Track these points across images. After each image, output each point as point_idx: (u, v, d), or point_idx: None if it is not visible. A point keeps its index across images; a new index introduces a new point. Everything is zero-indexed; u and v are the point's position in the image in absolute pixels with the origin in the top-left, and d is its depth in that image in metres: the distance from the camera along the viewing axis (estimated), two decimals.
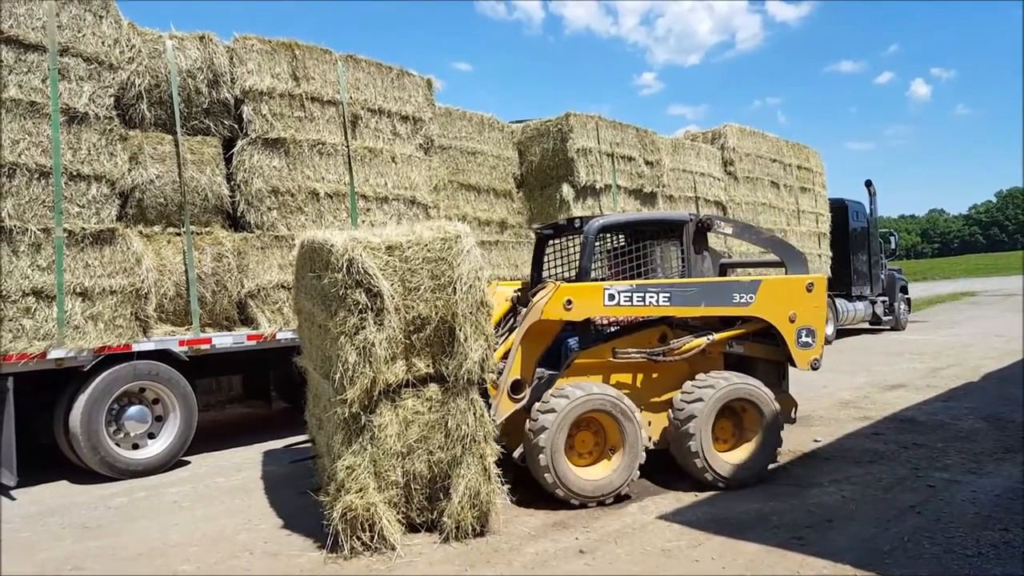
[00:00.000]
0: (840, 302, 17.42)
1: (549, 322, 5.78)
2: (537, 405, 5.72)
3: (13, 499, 6.57)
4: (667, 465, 6.23)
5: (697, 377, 6.17)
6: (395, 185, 9.43)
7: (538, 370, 6.00)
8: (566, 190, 12.34)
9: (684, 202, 14.59)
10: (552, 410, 5.57)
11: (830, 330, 16.77)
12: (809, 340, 6.35)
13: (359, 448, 4.79)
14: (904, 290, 20.16)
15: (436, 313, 4.95)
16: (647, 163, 13.80)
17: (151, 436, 7.40)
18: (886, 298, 19.07)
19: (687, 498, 5.81)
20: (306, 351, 6.34)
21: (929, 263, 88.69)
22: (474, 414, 4.98)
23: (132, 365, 7.15)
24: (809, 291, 6.36)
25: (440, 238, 5.00)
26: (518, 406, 5.72)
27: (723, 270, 7.18)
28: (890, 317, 19.12)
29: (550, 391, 5.79)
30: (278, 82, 8.49)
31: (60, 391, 7.04)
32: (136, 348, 7.16)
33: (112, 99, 7.28)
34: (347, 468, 4.75)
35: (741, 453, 6.17)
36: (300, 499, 6.19)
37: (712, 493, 5.91)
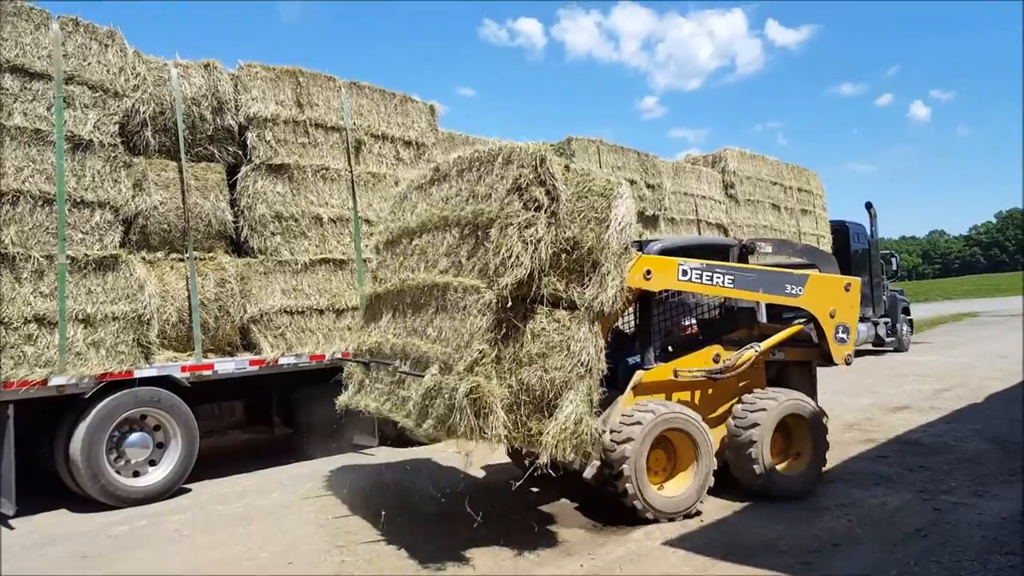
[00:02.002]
0: None
1: (628, 290, 5.86)
2: (611, 435, 5.70)
3: (12, 528, 6.52)
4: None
5: (750, 395, 6.48)
6: None
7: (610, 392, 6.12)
8: None
9: (686, 225, 14.64)
10: (629, 438, 5.65)
11: None
12: (844, 336, 6.73)
13: (492, 339, 4.90)
14: (906, 311, 20.11)
15: (587, 242, 5.21)
16: (648, 186, 13.86)
17: (152, 463, 7.36)
18: (888, 319, 19.02)
19: (692, 523, 5.77)
20: (410, 267, 6.21)
21: (931, 284, 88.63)
22: (595, 345, 5.07)
23: (134, 392, 7.13)
24: (847, 291, 6.78)
25: (606, 179, 5.43)
26: None
27: None
28: (893, 339, 19.07)
29: (620, 418, 5.83)
30: (282, 109, 8.56)
31: (61, 418, 7.01)
32: (138, 374, 7.15)
33: (117, 126, 7.34)
34: (480, 351, 4.82)
35: (795, 465, 6.54)
36: (302, 527, 6.17)
37: (718, 518, 5.88)
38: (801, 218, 18.15)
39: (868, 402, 11.24)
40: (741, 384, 6.56)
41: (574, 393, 4.93)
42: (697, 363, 6.40)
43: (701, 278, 6.13)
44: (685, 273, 6.07)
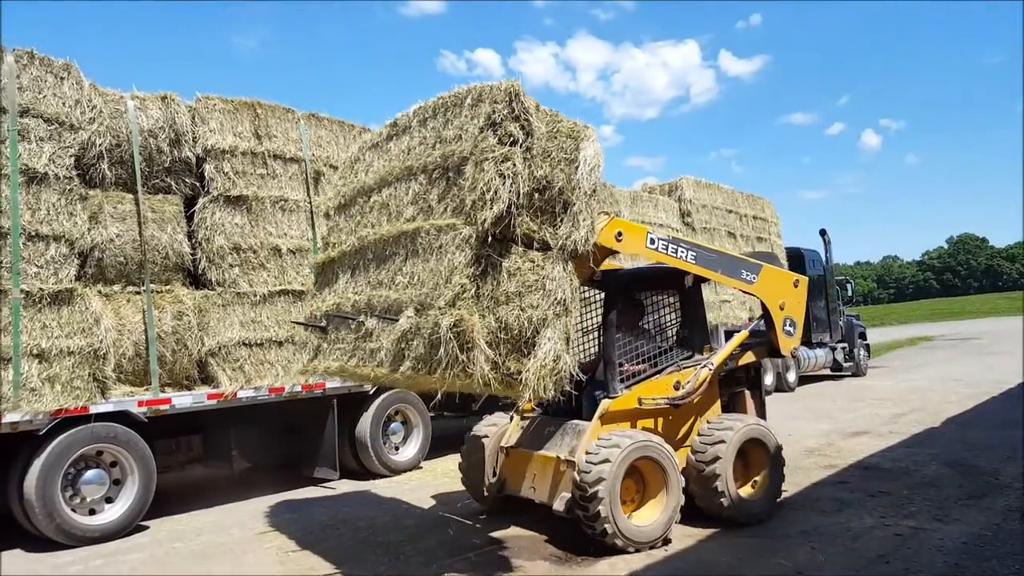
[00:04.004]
0: (801, 349, 17.57)
1: (599, 248, 5.87)
2: (586, 457, 5.75)
3: None
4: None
5: (707, 425, 6.57)
6: None
7: (573, 422, 6.33)
8: None
9: None
10: (606, 459, 5.65)
11: (792, 377, 16.96)
12: (791, 330, 7.04)
13: (472, 275, 4.89)
14: (863, 336, 20.46)
15: (558, 182, 5.23)
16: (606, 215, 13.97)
17: (108, 500, 7.18)
18: (846, 344, 19.33)
19: (657, 554, 5.77)
20: (369, 223, 6.15)
21: (886, 308, 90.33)
22: (570, 283, 5.09)
23: (90, 428, 6.96)
24: (795, 287, 7.12)
25: (574, 122, 5.47)
26: None
27: None
28: (850, 363, 19.36)
29: (596, 441, 5.88)
30: (240, 140, 8.53)
31: (14, 456, 6.81)
32: (94, 410, 6.99)
33: (72, 159, 7.25)
34: (461, 286, 4.84)
35: (754, 489, 6.62)
36: (262, 565, 6.06)
37: (681, 548, 5.88)
38: (757, 245, 18.42)
39: (827, 427, 11.38)
40: (698, 403, 6.65)
41: (551, 331, 4.88)
42: (659, 390, 6.47)
43: (667, 249, 6.31)
44: (652, 242, 6.23)
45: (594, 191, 5.31)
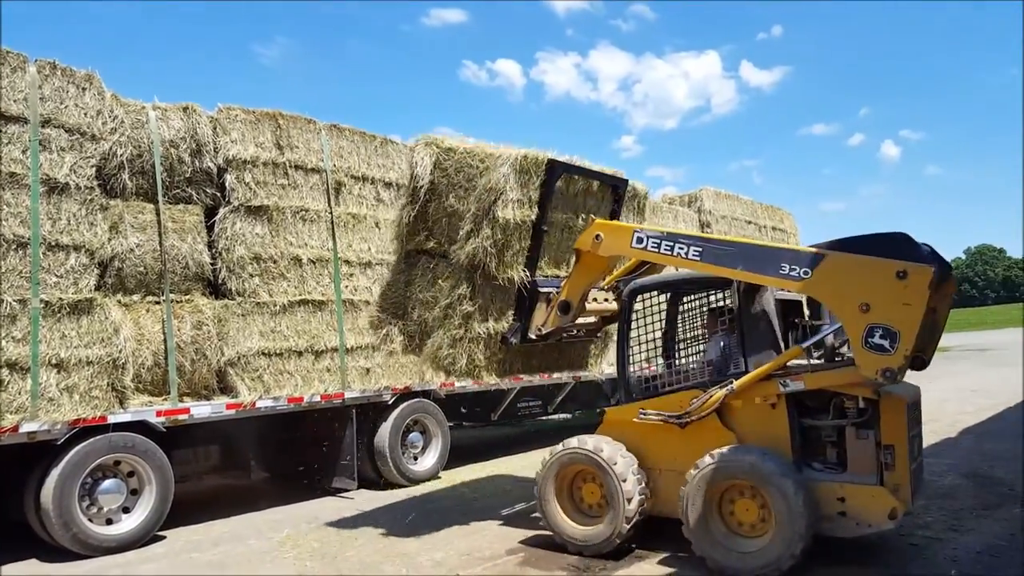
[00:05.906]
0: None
1: (587, 254, 6.35)
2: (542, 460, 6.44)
3: None
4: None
5: (708, 455, 5.52)
6: (379, 250, 9.48)
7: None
8: None
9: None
10: (540, 467, 6.37)
11: None
12: (884, 343, 4.82)
13: (392, 283, 7.18)
14: None
15: (461, 208, 6.45)
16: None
17: (125, 510, 7.19)
18: None
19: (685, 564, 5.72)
20: None
21: None
22: (457, 291, 6.40)
23: (107, 437, 6.98)
24: (900, 279, 4.76)
25: (489, 153, 6.42)
26: (561, 323, 6.60)
27: None
28: None
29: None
30: (262, 151, 8.57)
31: (31, 465, 6.84)
32: (112, 420, 7.01)
33: (94, 169, 7.28)
34: (381, 294, 7.35)
35: (758, 541, 5.37)
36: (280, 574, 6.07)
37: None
38: None
39: None
40: (742, 430, 5.66)
41: (441, 329, 6.46)
42: (668, 406, 5.88)
43: (660, 247, 5.73)
44: (640, 241, 5.89)
45: (487, 212, 6.18)
